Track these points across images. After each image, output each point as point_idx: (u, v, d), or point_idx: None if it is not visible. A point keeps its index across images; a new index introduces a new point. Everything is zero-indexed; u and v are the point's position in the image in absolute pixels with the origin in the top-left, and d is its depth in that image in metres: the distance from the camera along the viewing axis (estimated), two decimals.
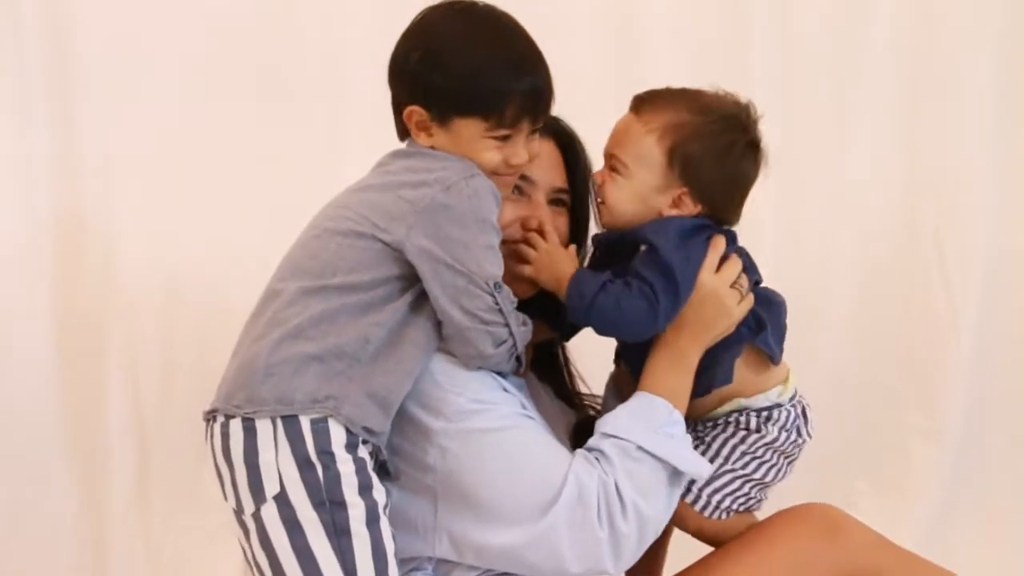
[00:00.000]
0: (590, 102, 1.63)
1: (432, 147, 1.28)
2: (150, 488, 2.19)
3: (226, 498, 1.24)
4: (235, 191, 2.15)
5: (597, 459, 1.27)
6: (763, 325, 1.38)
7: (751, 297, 1.37)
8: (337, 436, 1.20)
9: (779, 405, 1.40)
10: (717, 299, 1.32)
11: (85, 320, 2.14)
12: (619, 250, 1.35)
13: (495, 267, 1.25)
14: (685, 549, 1.49)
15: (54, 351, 2.13)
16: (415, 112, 1.27)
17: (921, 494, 2.43)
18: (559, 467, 1.25)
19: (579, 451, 1.29)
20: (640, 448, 1.27)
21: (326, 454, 1.19)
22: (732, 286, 1.34)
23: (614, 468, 1.25)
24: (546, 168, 1.42)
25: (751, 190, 1.37)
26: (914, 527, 2.32)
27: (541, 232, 1.38)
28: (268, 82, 2.16)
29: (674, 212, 1.33)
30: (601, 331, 1.33)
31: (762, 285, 1.43)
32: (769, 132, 2.27)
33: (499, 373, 1.32)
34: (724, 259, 1.35)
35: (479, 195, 1.24)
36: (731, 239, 1.38)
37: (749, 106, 1.36)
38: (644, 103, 1.34)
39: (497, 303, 1.24)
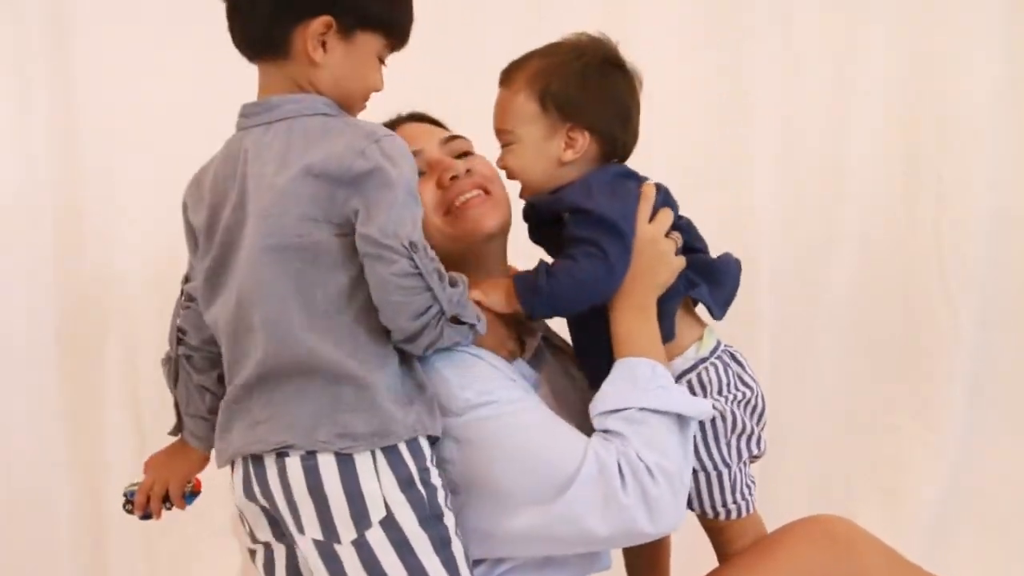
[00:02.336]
0: None
1: (317, 65, 1.23)
2: None
3: (302, 531, 1.21)
4: None
5: (610, 438, 1.28)
6: (696, 283, 1.40)
7: (683, 259, 1.39)
8: (427, 451, 1.23)
9: (703, 360, 1.40)
10: (655, 247, 1.35)
11: (84, 318, 2.14)
12: (547, 218, 1.39)
13: (411, 227, 1.18)
14: (691, 561, 1.49)
15: (54, 349, 2.12)
16: (322, 23, 1.23)
17: (919, 501, 2.42)
18: (575, 445, 1.27)
19: (594, 434, 1.30)
20: (641, 409, 1.28)
21: (424, 470, 1.22)
22: (667, 236, 1.37)
23: (626, 439, 1.27)
24: (419, 136, 1.44)
25: (635, 114, 1.40)
26: (912, 534, 2.31)
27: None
28: None
29: (570, 154, 1.36)
30: (570, 310, 1.34)
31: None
32: (769, 117, 2.30)
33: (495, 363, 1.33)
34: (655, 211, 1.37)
35: (394, 158, 1.20)
36: (664, 195, 1.40)
37: (600, 37, 1.40)
38: (507, 75, 1.39)
39: (416, 267, 1.17)
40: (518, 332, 1.43)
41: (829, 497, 2.38)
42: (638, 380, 1.30)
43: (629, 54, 1.40)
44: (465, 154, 1.45)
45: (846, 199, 2.44)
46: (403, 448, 1.20)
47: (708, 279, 1.41)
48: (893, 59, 2.41)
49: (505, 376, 1.32)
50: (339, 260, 1.20)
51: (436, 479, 1.23)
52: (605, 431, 1.29)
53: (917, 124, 2.43)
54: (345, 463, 1.19)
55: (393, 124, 1.50)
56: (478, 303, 1.31)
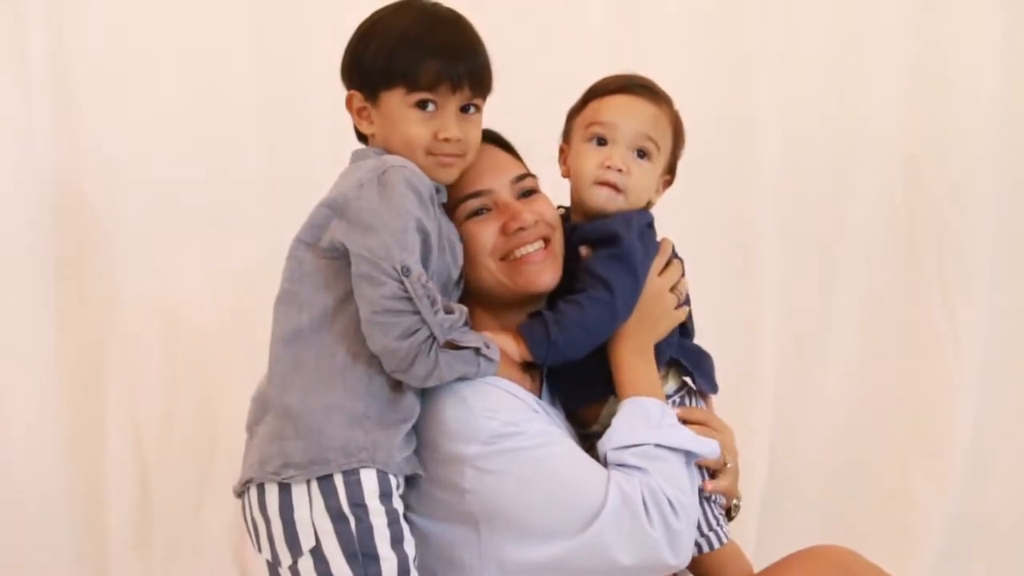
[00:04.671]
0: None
1: (373, 135, 1.33)
2: (150, 531, 2.17)
3: (260, 550, 1.28)
4: (243, 193, 2.16)
5: (630, 472, 1.30)
6: (688, 371, 1.46)
7: (686, 309, 1.45)
8: (370, 487, 1.23)
9: (666, 398, 1.44)
10: (660, 299, 1.41)
11: (85, 323, 2.13)
12: (568, 241, 1.42)
13: (405, 253, 1.21)
14: None
15: (55, 353, 2.11)
16: (354, 97, 1.33)
17: (926, 536, 2.40)
18: (599, 478, 1.29)
19: (611, 467, 1.32)
20: (658, 446, 1.32)
21: (359, 507, 1.23)
22: (671, 290, 1.43)
23: (647, 473, 1.30)
24: (489, 171, 1.41)
25: None
26: (919, 565, 2.31)
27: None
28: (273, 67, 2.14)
29: (657, 197, 1.46)
30: (581, 355, 1.37)
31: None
32: (770, 120, 2.30)
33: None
34: (667, 264, 1.45)
35: (390, 187, 1.24)
36: (672, 246, 1.48)
37: None
38: (655, 94, 1.44)
39: (406, 291, 1.19)
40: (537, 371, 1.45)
41: (836, 527, 2.34)
42: (651, 418, 1.34)
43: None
44: (531, 192, 1.42)
45: (848, 203, 2.43)
46: (338, 479, 1.22)
47: (695, 366, 1.47)
48: (895, 60, 2.40)
49: (528, 407, 1.33)
50: (322, 282, 1.26)
51: (377, 519, 1.23)
52: (622, 465, 1.31)
53: (919, 127, 2.42)
54: (284, 490, 1.24)
55: None
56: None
